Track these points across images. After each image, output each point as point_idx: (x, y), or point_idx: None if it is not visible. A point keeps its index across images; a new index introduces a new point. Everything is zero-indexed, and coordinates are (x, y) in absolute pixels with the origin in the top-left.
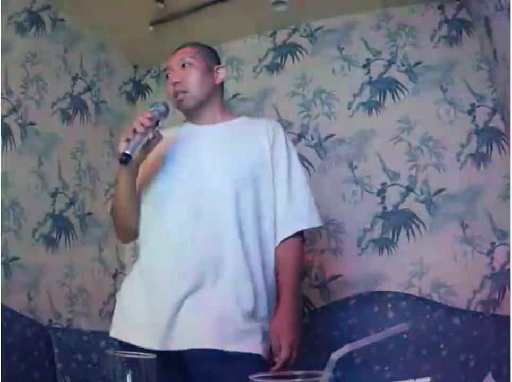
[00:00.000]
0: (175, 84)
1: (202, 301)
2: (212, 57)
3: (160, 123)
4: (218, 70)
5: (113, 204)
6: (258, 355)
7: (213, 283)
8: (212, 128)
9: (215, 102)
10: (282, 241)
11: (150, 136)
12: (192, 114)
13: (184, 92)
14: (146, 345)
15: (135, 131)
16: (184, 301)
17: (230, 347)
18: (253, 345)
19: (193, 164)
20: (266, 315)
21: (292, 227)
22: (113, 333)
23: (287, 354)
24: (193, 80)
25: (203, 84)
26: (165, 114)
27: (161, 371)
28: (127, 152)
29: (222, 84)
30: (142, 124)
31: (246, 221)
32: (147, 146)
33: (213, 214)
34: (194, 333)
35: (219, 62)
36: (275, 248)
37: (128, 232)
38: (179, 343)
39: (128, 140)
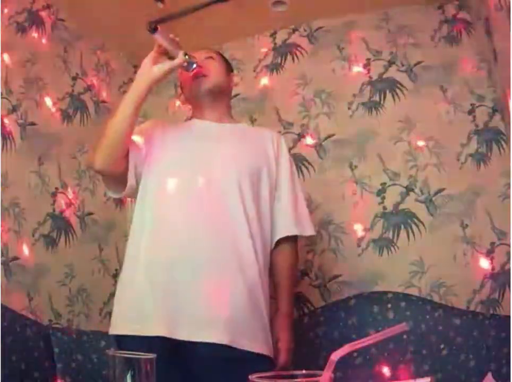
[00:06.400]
0: (197, 69)
1: (213, 292)
2: (228, 64)
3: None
4: (232, 76)
5: (114, 117)
6: (269, 356)
7: (221, 274)
8: (221, 125)
9: (225, 102)
10: (281, 244)
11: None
12: (203, 103)
13: (205, 76)
14: (151, 333)
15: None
16: (188, 289)
17: (244, 345)
18: (266, 345)
19: (200, 156)
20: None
21: (297, 230)
22: (115, 329)
23: (286, 358)
24: (215, 68)
25: (222, 75)
26: (189, 65)
27: (164, 360)
28: (158, 27)
29: (231, 91)
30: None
31: (251, 218)
32: (168, 65)
33: (220, 207)
34: (205, 326)
35: (232, 71)
36: (272, 250)
37: (112, 152)
38: (186, 333)
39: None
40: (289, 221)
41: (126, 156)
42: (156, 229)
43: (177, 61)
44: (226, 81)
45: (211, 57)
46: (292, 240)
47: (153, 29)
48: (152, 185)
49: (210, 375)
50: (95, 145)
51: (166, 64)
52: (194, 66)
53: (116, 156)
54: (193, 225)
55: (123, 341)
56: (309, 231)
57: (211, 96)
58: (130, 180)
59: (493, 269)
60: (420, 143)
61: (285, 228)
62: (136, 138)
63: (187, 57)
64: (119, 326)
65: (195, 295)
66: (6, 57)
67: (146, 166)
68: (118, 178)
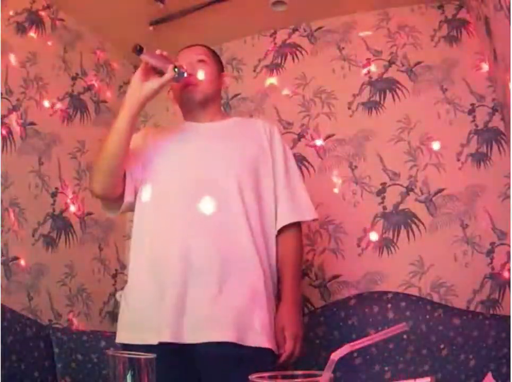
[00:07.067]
0: (189, 76)
1: (214, 291)
2: (220, 63)
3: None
4: (224, 77)
5: (109, 138)
6: (271, 350)
7: (223, 273)
8: (213, 124)
9: (216, 104)
10: (283, 232)
11: (167, 75)
12: (195, 111)
13: (196, 85)
14: (156, 340)
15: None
16: (192, 291)
17: (248, 342)
18: (269, 339)
19: (197, 155)
20: (274, 308)
21: (296, 216)
22: (120, 338)
23: (292, 346)
24: (206, 76)
25: (213, 82)
26: (179, 77)
27: (169, 363)
28: (143, 47)
29: (221, 89)
30: (165, 54)
31: (251, 212)
32: (158, 82)
33: (220, 205)
34: (209, 326)
35: (223, 70)
36: (275, 238)
37: (111, 176)
38: (192, 335)
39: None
40: (287, 209)
41: (125, 176)
42: (157, 236)
43: (166, 76)
44: (217, 86)
45: (203, 60)
46: (293, 227)
47: (139, 51)
48: (150, 192)
49: (212, 375)
50: (93, 167)
51: (156, 82)
52: (185, 75)
53: (115, 180)
54: (193, 228)
55: (128, 349)
56: (309, 215)
57: (202, 104)
58: (127, 198)
59: (493, 269)
60: (420, 143)
61: (283, 217)
62: (130, 155)
63: (176, 69)
64: (124, 336)
65: (199, 297)
66: (6, 57)
67: (143, 177)
68: (117, 198)
